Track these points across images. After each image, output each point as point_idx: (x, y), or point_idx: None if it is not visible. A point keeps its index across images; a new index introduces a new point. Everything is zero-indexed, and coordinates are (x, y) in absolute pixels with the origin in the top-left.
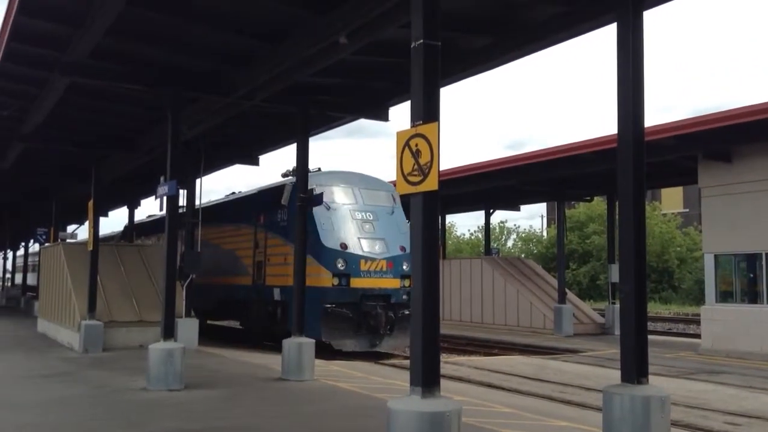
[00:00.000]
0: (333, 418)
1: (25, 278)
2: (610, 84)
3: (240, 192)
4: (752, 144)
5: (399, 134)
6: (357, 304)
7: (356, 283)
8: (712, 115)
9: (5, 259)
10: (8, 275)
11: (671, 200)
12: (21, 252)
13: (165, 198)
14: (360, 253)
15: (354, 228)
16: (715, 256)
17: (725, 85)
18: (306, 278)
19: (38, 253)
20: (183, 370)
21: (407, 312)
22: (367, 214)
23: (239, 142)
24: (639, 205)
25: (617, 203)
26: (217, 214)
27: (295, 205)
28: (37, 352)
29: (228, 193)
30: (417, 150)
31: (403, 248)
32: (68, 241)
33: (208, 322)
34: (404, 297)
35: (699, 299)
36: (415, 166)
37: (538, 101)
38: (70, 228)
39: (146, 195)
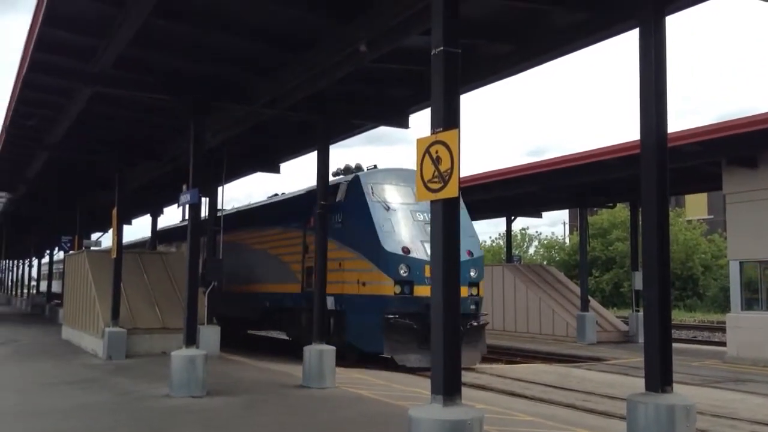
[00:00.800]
0: (354, 425)
1: (49, 286)
2: (631, 89)
3: (284, 193)
4: None
5: (419, 141)
6: (421, 314)
7: (420, 291)
8: (737, 121)
9: (30, 267)
10: (33, 283)
11: (695, 207)
12: (45, 260)
13: (187, 206)
14: (424, 257)
15: (416, 230)
16: (741, 263)
17: (733, 85)
18: (363, 286)
19: (62, 261)
20: (205, 376)
21: (475, 323)
22: (429, 214)
23: (260, 150)
24: (663, 211)
25: (640, 210)
26: (259, 218)
27: (352, 204)
28: (61, 359)
29: (270, 195)
30: (437, 157)
31: (469, 252)
32: (92, 248)
33: (249, 332)
34: (471, 307)
35: (724, 307)
36: (436, 173)
37: (559, 107)
38: (94, 236)
39: (169, 203)
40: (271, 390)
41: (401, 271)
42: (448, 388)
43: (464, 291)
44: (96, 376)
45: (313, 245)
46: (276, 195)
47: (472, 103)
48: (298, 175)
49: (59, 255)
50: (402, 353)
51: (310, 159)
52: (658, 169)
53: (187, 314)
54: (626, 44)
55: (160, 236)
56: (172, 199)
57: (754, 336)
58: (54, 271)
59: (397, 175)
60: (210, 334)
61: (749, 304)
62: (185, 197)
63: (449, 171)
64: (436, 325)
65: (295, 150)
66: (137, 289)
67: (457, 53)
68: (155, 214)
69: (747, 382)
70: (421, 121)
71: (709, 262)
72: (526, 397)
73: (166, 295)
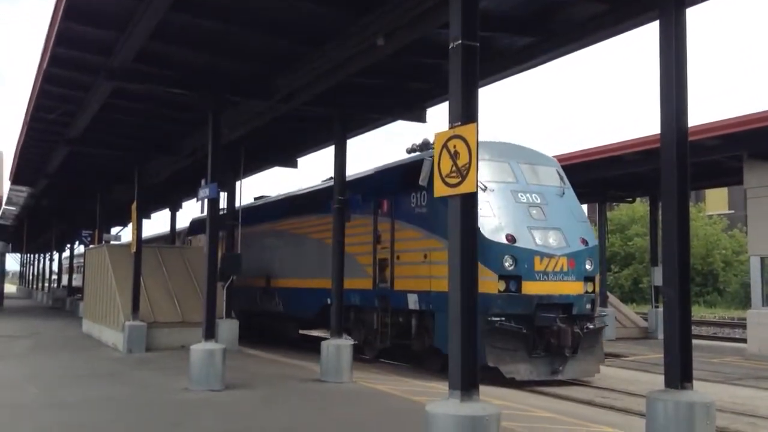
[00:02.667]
0: (371, 420)
1: (70, 279)
2: (650, 82)
3: (348, 176)
4: None
5: (437, 136)
6: (530, 316)
7: (530, 288)
8: (758, 114)
9: (51, 260)
10: (54, 276)
11: (716, 201)
12: (66, 254)
13: (206, 200)
14: (533, 247)
15: (520, 214)
16: (762, 259)
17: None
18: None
19: (83, 255)
20: (224, 370)
21: (591, 326)
22: (534, 196)
23: (278, 144)
24: (683, 206)
25: (660, 204)
26: (314, 203)
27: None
28: (82, 353)
29: (325, 179)
30: (455, 151)
31: (583, 241)
32: (112, 242)
33: (300, 332)
34: (587, 306)
35: (745, 303)
36: (453, 168)
37: (576, 101)
38: (114, 230)
39: (188, 197)
40: (289, 384)
41: (506, 264)
42: (466, 384)
43: (579, 287)
44: (116, 369)
45: (387, 234)
46: (331, 179)
47: (490, 94)
48: (314, 169)
49: (79, 249)
50: (510, 363)
51: (328, 154)
52: (679, 163)
53: (206, 308)
54: (645, 35)
55: (196, 226)
56: (191, 194)
57: None
58: (75, 265)
59: (490, 148)
60: (228, 328)
61: None
62: (204, 192)
63: (467, 165)
64: (454, 321)
65: (313, 145)
66: (157, 283)
67: (475, 47)
68: (174, 209)
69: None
70: (438, 114)
71: (730, 258)
72: (543, 393)
73: (185, 289)
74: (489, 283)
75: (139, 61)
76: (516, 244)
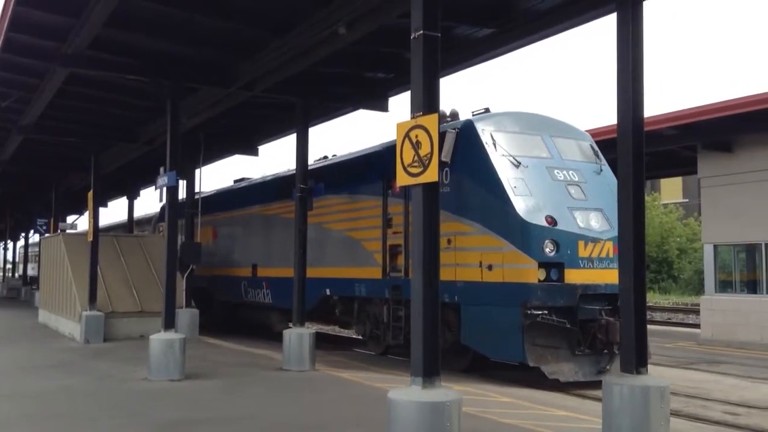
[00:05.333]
0: (334, 407)
1: (25, 269)
2: (608, 73)
3: (336, 155)
4: (753, 134)
5: (399, 125)
6: (573, 308)
7: (573, 276)
8: (712, 106)
9: (6, 249)
10: (9, 266)
11: (671, 191)
12: (22, 243)
13: (165, 189)
14: (576, 230)
15: (558, 193)
16: (715, 246)
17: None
18: (489, 271)
19: (38, 244)
20: (184, 360)
21: None
22: (571, 173)
23: (239, 132)
24: (638, 195)
25: (617, 193)
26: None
27: (467, 159)
28: (38, 343)
29: (318, 158)
30: (417, 141)
31: None
32: (68, 231)
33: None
34: None
35: (698, 289)
36: (416, 158)
37: (535, 90)
38: (70, 219)
39: (146, 185)
40: (250, 373)
41: (546, 250)
42: (428, 371)
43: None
44: (73, 359)
45: (400, 217)
46: (325, 158)
47: (450, 83)
48: (277, 157)
49: (35, 238)
50: (552, 363)
51: (291, 141)
52: (635, 152)
53: (165, 298)
54: (601, 27)
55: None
56: (150, 182)
57: (727, 318)
58: (30, 254)
59: (519, 119)
60: (189, 318)
61: (723, 286)
62: (162, 180)
63: (429, 155)
64: (415, 309)
65: (274, 132)
66: (114, 273)
67: (436, 37)
68: (132, 197)
69: (720, 364)
70: (401, 103)
71: (684, 246)
72: (503, 380)
73: (144, 279)
74: (528, 271)
75: (95, 48)
76: (557, 227)
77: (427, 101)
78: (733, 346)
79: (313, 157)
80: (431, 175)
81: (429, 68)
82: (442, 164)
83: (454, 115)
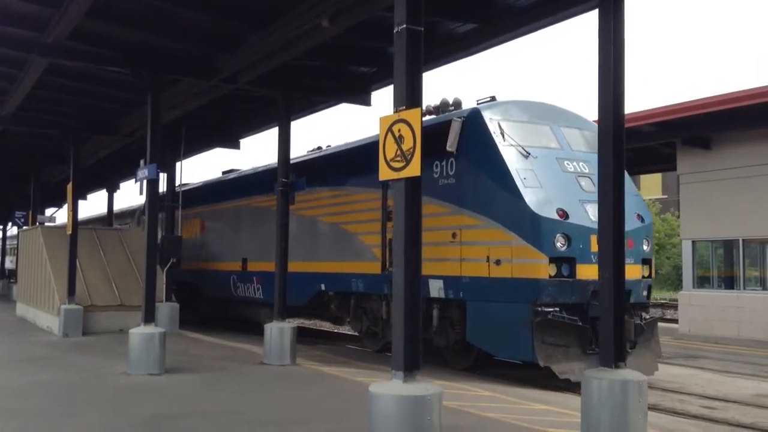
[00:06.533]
0: (315, 401)
1: (3, 262)
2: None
3: (330, 146)
4: (731, 131)
5: (382, 120)
6: (584, 305)
7: (585, 272)
8: (690, 103)
9: None
10: None
11: (650, 187)
12: None
13: (145, 182)
14: (588, 224)
15: (569, 185)
16: (693, 242)
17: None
18: (497, 266)
19: (17, 237)
20: (164, 354)
21: (648, 317)
22: (581, 164)
23: (220, 125)
24: (618, 191)
25: (597, 189)
26: (304, 176)
27: (473, 149)
28: (16, 337)
29: (312, 149)
30: (400, 135)
31: (640, 217)
32: (47, 224)
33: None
34: (644, 293)
35: (677, 285)
36: (398, 152)
37: (516, 84)
38: (49, 211)
39: (126, 178)
40: (231, 367)
41: (558, 244)
42: (408, 365)
43: (636, 271)
44: (52, 353)
45: None
46: (319, 148)
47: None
48: (258, 151)
49: (13, 230)
50: (563, 362)
51: (273, 134)
52: (615, 149)
53: (145, 291)
54: (584, 24)
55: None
56: (130, 175)
57: (705, 313)
58: (8, 246)
59: (527, 108)
60: (169, 312)
61: (701, 282)
62: (143, 172)
63: (411, 150)
64: (397, 304)
65: (256, 126)
66: (93, 266)
67: (419, 31)
68: (111, 190)
69: (698, 359)
70: (383, 98)
71: (663, 241)
72: (482, 373)
73: (124, 272)
74: (539, 266)
75: (76, 39)
76: (569, 221)
77: (410, 95)
78: (710, 341)
79: (300, 150)
80: (413, 169)
81: (412, 62)
82: (445, 154)
83: (457, 104)
